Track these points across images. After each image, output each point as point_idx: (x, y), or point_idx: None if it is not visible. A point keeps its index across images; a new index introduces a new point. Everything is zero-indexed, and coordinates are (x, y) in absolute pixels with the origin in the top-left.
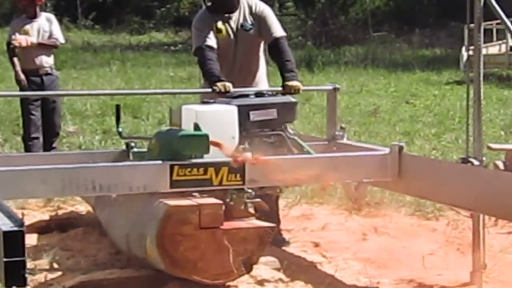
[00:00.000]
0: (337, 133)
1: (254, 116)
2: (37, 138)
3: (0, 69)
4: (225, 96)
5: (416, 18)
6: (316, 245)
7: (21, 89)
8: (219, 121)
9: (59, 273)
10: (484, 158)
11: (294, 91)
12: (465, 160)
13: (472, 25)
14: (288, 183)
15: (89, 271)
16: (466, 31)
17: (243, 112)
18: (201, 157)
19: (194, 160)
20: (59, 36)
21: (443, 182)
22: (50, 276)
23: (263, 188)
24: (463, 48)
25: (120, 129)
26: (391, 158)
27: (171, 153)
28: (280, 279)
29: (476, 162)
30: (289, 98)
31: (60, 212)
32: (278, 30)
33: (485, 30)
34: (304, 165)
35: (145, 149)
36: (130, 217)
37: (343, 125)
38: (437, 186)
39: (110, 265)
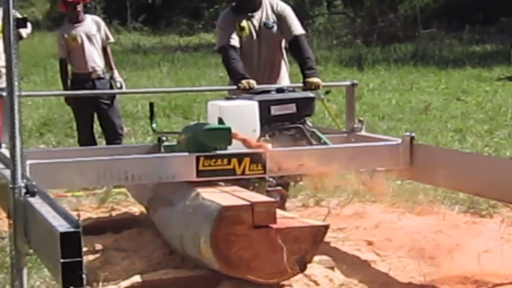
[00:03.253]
0: (355, 126)
1: (274, 110)
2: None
3: (51, 72)
4: (249, 92)
5: (465, 14)
6: (370, 243)
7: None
8: (241, 115)
9: (114, 273)
10: None
11: (315, 87)
12: None
13: None
14: (306, 172)
15: (144, 271)
16: None
17: (265, 107)
18: (225, 148)
19: (218, 152)
20: (110, 36)
21: (455, 170)
22: (105, 276)
23: (283, 177)
24: None
25: (153, 125)
26: (403, 148)
27: (198, 145)
28: (334, 278)
29: None
30: (307, 94)
31: (114, 213)
32: (297, 28)
33: None
34: (320, 155)
35: (175, 143)
36: (184, 217)
37: (361, 118)
38: (448, 173)
39: (164, 265)
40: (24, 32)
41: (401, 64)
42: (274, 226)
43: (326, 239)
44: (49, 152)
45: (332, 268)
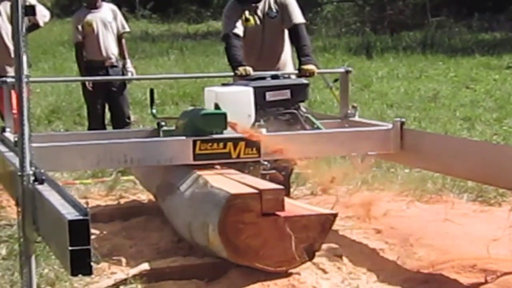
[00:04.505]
0: (349, 111)
1: (269, 96)
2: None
3: (60, 59)
4: (245, 78)
5: (475, 2)
6: (378, 231)
7: (85, 90)
8: (236, 101)
9: (122, 261)
10: None
11: (309, 74)
12: None
13: None
14: (300, 156)
15: (152, 259)
16: None
17: (260, 93)
18: (221, 132)
19: (214, 136)
20: (126, 25)
21: (443, 154)
22: (114, 264)
23: (278, 160)
24: None
25: (153, 111)
26: (393, 133)
27: (194, 130)
28: (343, 266)
29: None
30: (301, 80)
31: (122, 201)
32: (298, 17)
33: None
34: (313, 140)
35: (173, 128)
36: (192, 205)
37: (354, 104)
38: (437, 157)
39: (172, 253)
40: (41, 20)
41: (410, 52)
42: (283, 214)
43: (335, 227)
44: (51, 136)
45: (340, 257)
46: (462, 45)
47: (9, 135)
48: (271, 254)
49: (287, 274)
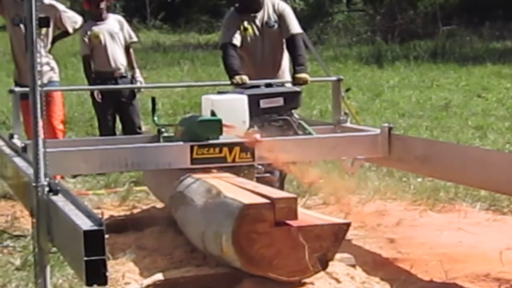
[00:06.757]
0: (341, 118)
1: (263, 103)
2: None
3: (72, 70)
4: (241, 87)
5: (486, 11)
6: (391, 241)
7: (94, 101)
8: (232, 108)
9: (136, 271)
10: None
11: (303, 82)
12: None
13: None
14: (292, 160)
15: (166, 269)
16: None
17: (254, 100)
18: (217, 138)
19: (210, 141)
20: (133, 35)
21: (429, 158)
22: (127, 274)
23: (272, 164)
24: None
25: (155, 118)
26: (381, 138)
27: (192, 136)
28: (356, 276)
29: None
30: (294, 88)
31: (135, 211)
32: (295, 27)
33: None
34: (305, 145)
35: (173, 134)
36: (206, 215)
37: (346, 111)
38: (423, 161)
39: (186, 263)
40: (71, 27)
41: (421, 61)
42: (296, 224)
43: (348, 236)
44: (56, 142)
45: (353, 266)
46: (473, 54)
47: (17, 141)
48: (284, 264)
49: (300, 284)
